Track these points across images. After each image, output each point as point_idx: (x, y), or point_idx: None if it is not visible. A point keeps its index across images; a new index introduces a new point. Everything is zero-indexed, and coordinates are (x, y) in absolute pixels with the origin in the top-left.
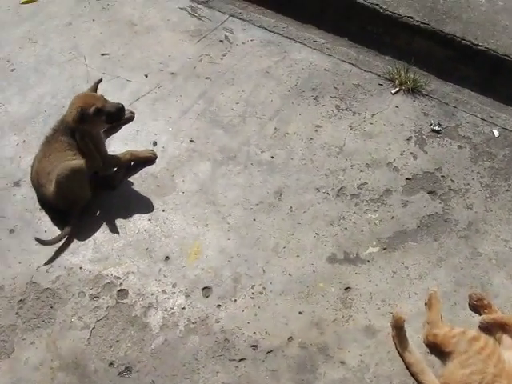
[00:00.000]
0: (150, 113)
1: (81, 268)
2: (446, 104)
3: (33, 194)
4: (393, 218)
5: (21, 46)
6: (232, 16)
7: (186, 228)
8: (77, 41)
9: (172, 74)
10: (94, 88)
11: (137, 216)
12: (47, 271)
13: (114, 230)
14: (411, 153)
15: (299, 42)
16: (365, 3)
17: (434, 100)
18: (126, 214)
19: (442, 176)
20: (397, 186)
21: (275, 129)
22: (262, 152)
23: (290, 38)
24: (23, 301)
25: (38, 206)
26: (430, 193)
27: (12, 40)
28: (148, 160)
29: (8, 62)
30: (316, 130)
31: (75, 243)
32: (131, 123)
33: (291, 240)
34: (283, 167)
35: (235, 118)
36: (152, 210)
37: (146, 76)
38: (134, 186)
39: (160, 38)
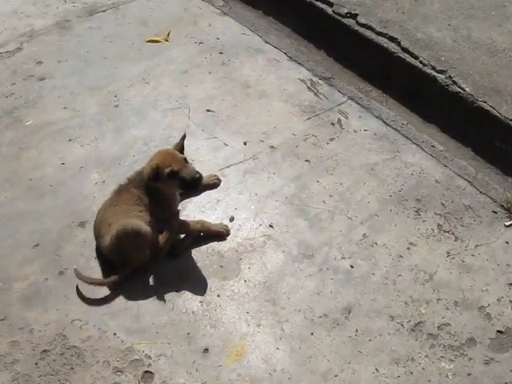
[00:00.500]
0: (237, 184)
1: (114, 334)
2: None
3: (93, 241)
4: (469, 375)
5: (132, 84)
6: (351, 99)
7: (236, 323)
8: (187, 90)
9: (271, 147)
10: (181, 145)
11: (189, 294)
12: (81, 327)
13: (160, 302)
14: (511, 301)
15: (416, 144)
16: (498, 116)
17: None
18: (179, 289)
19: None
20: (484, 338)
21: (364, 235)
22: (342, 258)
23: (406, 137)
24: (47, 352)
25: (94, 254)
26: None
27: (126, 76)
28: (219, 235)
29: (115, 96)
30: (408, 248)
31: (118, 305)
32: (214, 190)
33: (346, 369)
34: (361, 281)
35: (324, 212)
36: (206, 292)
37: (245, 144)
38: (196, 260)
39: (270, 107)
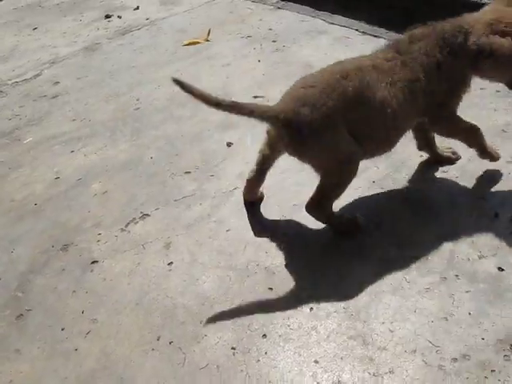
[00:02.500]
0: (296, 174)
1: None
2: None
3: (74, 269)
4: None
5: (159, 85)
6: None
7: (296, 382)
8: (229, 81)
9: None
10: None
11: (213, 336)
12: None
13: (164, 352)
14: None
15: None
16: None
17: None
18: (197, 327)
19: None
20: None
21: None
22: (480, 256)
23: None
24: None
25: (73, 287)
26: None
27: (153, 79)
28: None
29: (137, 100)
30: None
31: (100, 363)
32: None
33: None
34: None
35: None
36: (243, 331)
37: None
38: (229, 280)
39: None
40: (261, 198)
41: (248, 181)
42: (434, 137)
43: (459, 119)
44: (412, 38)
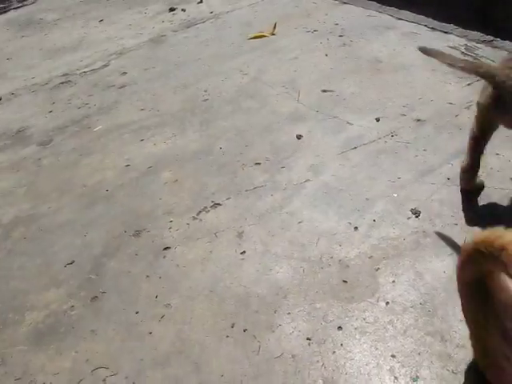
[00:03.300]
0: (369, 167)
1: None
2: None
3: (148, 254)
4: None
5: (226, 77)
6: None
7: (373, 375)
8: (296, 75)
9: (418, 120)
10: None
11: (288, 326)
12: (105, 380)
13: (239, 339)
14: None
15: None
16: None
17: None
18: (271, 317)
19: None
20: None
21: None
22: None
23: None
24: None
25: (148, 271)
26: None
27: (220, 71)
28: None
29: (205, 91)
30: None
31: (166, 342)
32: (326, 176)
33: None
34: None
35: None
36: (318, 323)
37: (378, 120)
38: (302, 272)
39: (411, 78)
40: (479, 187)
41: (462, 168)
42: None
43: None
44: None
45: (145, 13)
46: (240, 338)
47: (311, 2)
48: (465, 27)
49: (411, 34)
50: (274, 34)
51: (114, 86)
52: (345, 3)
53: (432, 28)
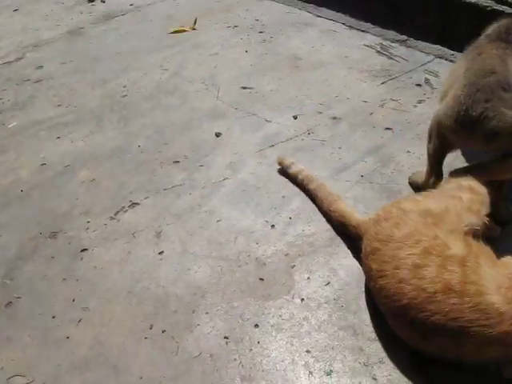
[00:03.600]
0: None
1: None
2: None
3: (64, 256)
4: None
5: (146, 73)
6: (440, 57)
7: (289, 371)
8: (216, 71)
9: (334, 118)
10: None
11: (206, 325)
12: None
13: (157, 340)
14: None
15: None
16: None
17: None
18: (189, 317)
19: None
20: None
21: None
22: None
23: None
24: None
25: (63, 274)
26: None
27: (139, 67)
28: None
29: (124, 87)
30: None
31: (85, 347)
32: (242, 173)
33: None
34: None
35: None
36: (235, 321)
37: (295, 118)
38: (220, 271)
39: (328, 76)
40: None
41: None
42: None
43: None
44: (508, 28)
45: (62, 3)
46: (159, 339)
47: None
48: (382, 26)
49: (330, 31)
50: (194, 29)
51: (29, 80)
52: None
53: (350, 26)
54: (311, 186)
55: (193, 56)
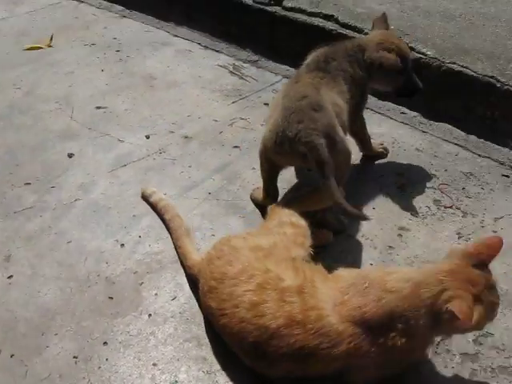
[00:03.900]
0: (137, 185)
1: None
2: None
3: None
4: None
5: None
6: (287, 78)
7: (134, 382)
8: (71, 90)
9: (185, 137)
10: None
11: (55, 346)
12: None
13: (6, 363)
14: None
15: (379, 113)
16: (474, 74)
17: None
18: (39, 340)
19: None
20: None
21: None
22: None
23: (367, 108)
24: None
25: None
26: None
27: None
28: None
29: None
30: (400, 235)
31: None
32: (99, 196)
33: None
34: None
35: None
36: (85, 340)
37: (148, 137)
38: (68, 292)
39: (182, 95)
40: None
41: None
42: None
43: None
44: (326, 57)
45: None
46: (7, 363)
47: (91, 13)
48: (237, 45)
49: (185, 51)
50: (50, 46)
51: None
52: (124, 17)
53: (205, 46)
54: (166, 217)
55: (48, 74)
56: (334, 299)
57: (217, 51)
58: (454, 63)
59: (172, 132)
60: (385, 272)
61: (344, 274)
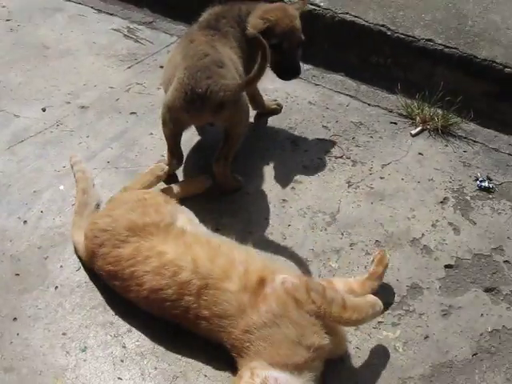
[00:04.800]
0: (36, 160)
1: None
2: (496, 150)
3: None
4: (427, 337)
5: None
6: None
7: (48, 354)
8: None
9: (82, 107)
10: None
11: None
12: None
13: None
14: (450, 223)
15: None
16: (365, 24)
17: (476, 144)
18: None
19: (506, 261)
20: (430, 280)
21: None
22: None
23: None
24: None
25: None
26: (487, 291)
27: None
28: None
29: None
30: (293, 188)
31: None
32: None
33: None
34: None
35: None
36: None
37: (44, 110)
38: None
39: (77, 64)
40: None
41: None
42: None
43: None
44: (217, 16)
45: None
46: None
47: None
48: (135, 4)
49: (78, 16)
50: None
51: None
52: None
53: (98, 10)
54: (76, 189)
55: None
56: None
57: (111, 14)
58: (347, 13)
59: (68, 103)
60: None
61: None
